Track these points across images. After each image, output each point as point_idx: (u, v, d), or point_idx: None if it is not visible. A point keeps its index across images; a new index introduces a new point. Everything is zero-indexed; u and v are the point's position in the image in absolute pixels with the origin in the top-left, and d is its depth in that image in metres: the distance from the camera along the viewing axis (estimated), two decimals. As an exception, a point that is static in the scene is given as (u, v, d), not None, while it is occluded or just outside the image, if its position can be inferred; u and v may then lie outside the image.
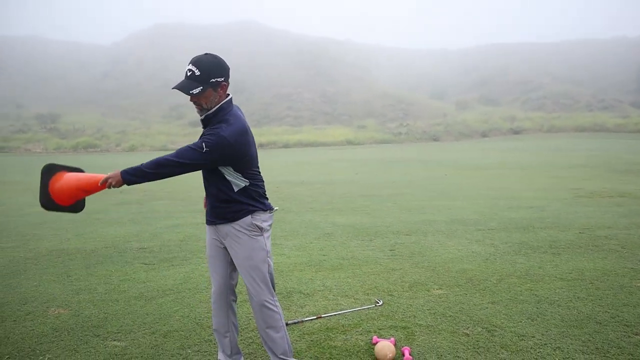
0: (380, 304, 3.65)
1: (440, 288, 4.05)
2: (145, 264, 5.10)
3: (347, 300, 3.80)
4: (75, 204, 2.60)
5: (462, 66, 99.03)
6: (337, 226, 7.06)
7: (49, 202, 2.55)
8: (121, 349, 3.01)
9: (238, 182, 2.44)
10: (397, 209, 8.61)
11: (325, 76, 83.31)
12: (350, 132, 49.99)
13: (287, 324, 3.10)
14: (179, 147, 2.37)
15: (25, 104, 69.49)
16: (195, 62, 2.28)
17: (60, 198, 2.53)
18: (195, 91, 2.27)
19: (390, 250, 5.48)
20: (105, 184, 2.35)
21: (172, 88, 2.30)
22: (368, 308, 3.59)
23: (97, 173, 2.46)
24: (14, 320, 3.51)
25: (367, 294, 3.96)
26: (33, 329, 3.34)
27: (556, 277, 4.27)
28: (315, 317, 3.39)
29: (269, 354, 2.61)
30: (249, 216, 2.47)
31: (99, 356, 2.92)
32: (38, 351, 3.00)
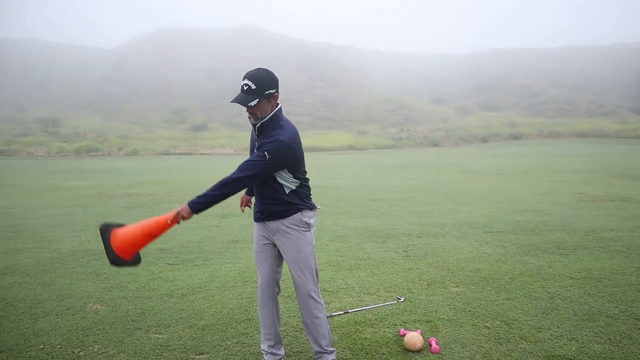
0: (402, 300, 3.86)
1: (457, 286, 4.27)
2: (169, 264, 5.30)
3: (370, 297, 4.01)
4: (135, 257, 2.67)
5: (461, 71, 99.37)
6: (348, 229, 7.25)
7: (116, 258, 2.62)
8: (164, 340, 3.22)
9: (289, 184, 2.66)
10: (405, 212, 8.81)
11: (326, 81, 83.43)
12: (351, 137, 50.11)
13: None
14: (240, 163, 2.52)
15: (26, 107, 69.50)
16: (250, 77, 2.49)
17: (124, 251, 2.60)
18: (252, 103, 2.49)
19: (404, 252, 5.69)
20: (176, 218, 2.45)
21: (231, 102, 2.49)
22: (391, 304, 3.80)
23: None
24: (56, 315, 3.72)
25: (388, 291, 4.17)
26: (76, 323, 3.54)
27: (566, 275, 4.49)
28: (342, 312, 3.60)
29: (312, 344, 2.81)
30: (299, 213, 2.70)
31: (144, 347, 3.12)
32: (86, 342, 3.20)
